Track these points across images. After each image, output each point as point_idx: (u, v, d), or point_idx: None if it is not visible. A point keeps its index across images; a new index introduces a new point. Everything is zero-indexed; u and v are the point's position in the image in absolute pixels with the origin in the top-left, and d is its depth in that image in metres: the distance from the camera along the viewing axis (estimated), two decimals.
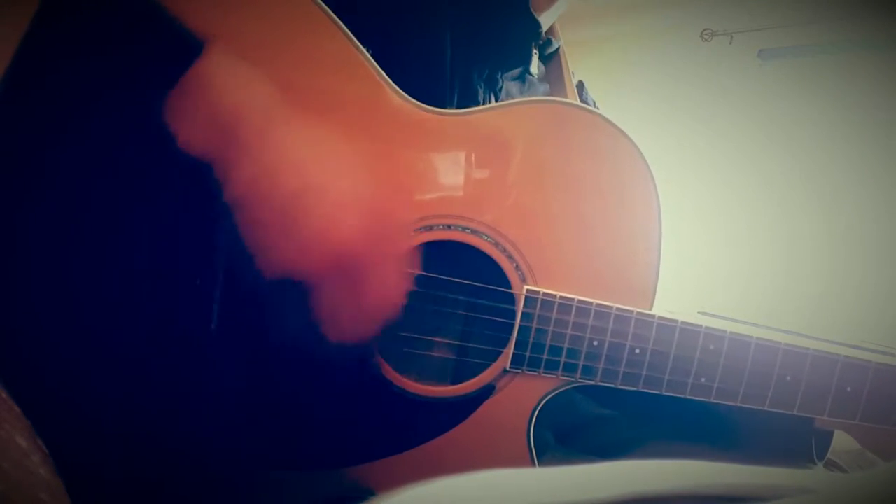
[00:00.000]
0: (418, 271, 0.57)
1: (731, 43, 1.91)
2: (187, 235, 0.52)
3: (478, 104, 0.70)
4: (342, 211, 0.47)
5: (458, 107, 0.62)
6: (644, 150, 0.58)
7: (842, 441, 0.68)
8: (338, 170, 0.49)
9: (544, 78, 0.80)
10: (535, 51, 0.75)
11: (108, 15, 0.46)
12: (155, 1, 0.46)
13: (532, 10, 0.72)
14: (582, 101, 0.85)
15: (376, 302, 0.49)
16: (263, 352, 0.55)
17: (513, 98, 0.75)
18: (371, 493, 0.57)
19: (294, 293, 0.47)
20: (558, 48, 0.79)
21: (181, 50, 0.46)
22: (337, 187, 0.47)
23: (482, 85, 0.70)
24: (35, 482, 0.36)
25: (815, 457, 0.64)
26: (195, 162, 0.46)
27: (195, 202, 0.50)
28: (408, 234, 0.53)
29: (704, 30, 1.93)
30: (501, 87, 0.73)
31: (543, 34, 0.75)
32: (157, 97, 0.45)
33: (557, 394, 0.59)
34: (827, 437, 0.65)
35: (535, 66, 0.75)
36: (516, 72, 0.75)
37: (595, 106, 0.88)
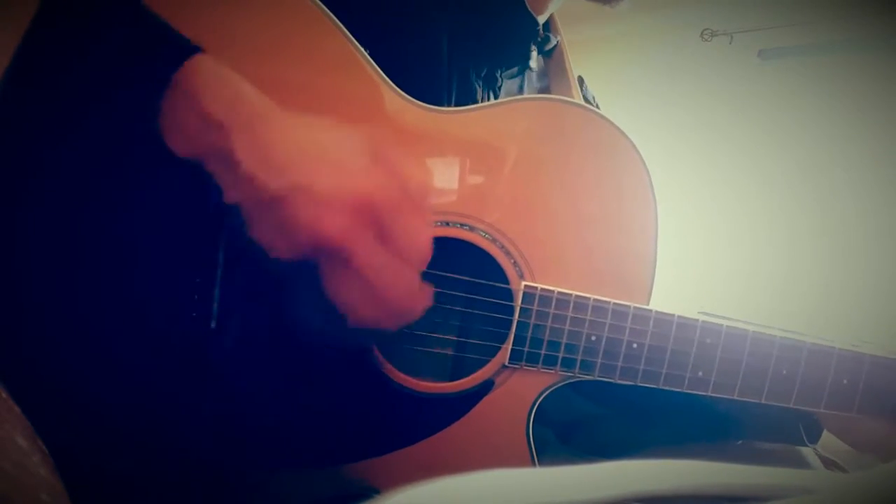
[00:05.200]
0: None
1: (731, 43, 1.91)
2: (185, 235, 0.52)
3: (476, 102, 0.70)
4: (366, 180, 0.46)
5: (457, 105, 0.62)
6: (644, 149, 0.58)
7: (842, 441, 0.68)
8: (352, 148, 0.47)
9: (544, 74, 0.80)
10: (533, 48, 0.74)
11: (101, 21, 0.47)
12: (145, 6, 0.46)
13: (528, 7, 0.72)
14: (582, 96, 0.85)
15: (404, 273, 0.47)
16: (263, 351, 0.55)
17: (513, 96, 0.75)
18: (371, 489, 0.57)
19: (312, 276, 0.46)
20: (557, 43, 0.79)
21: (171, 55, 0.46)
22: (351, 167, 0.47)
23: (481, 83, 0.70)
24: (35, 482, 0.36)
25: (805, 439, 0.64)
26: (191, 164, 0.46)
27: (193, 202, 0.50)
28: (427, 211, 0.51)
29: (704, 30, 1.93)
30: (501, 86, 0.73)
31: (542, 31, 0.75)
32: (153, 99, 0.45)
33: (557, 392, 0.59)
34: (814, 421, 0.65)
35: (534, 61, 0.75)
36: (515, 69, 0.75)
37: (595, 101, 0.88)
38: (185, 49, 0.46)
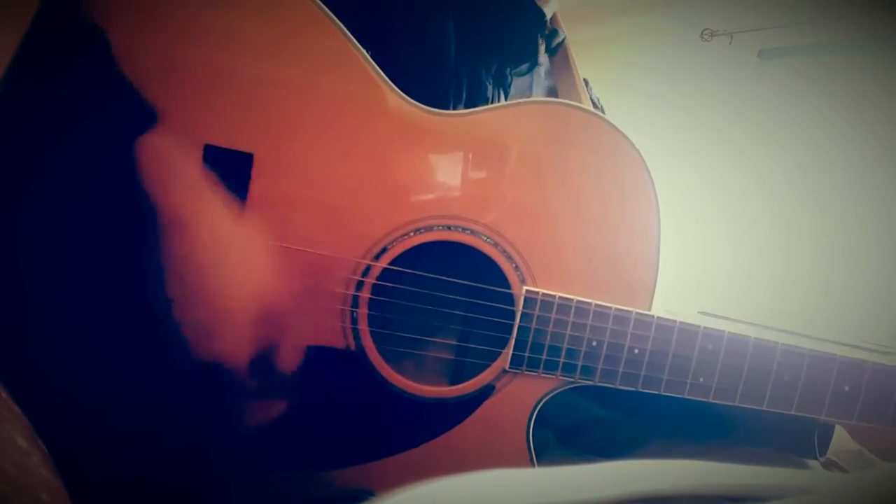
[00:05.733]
0: (416, 271, 0.57)
1: (731, 43, 1.91)
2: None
3: (487, 101, 0.70)
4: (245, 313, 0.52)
5: (468, 104, 0.62)
6: (644, 150, 0.58)
7: (842, 441, 0.68)
8: (254, 270, 0.53)
9: (550, 74, 0.80)
10: (541, 41, 0.74)
11: (78, 71, 0.49)
12: (117, 65, 0.49)
13: (536, 1, 0.72)
14: (589, 98, 0.85)
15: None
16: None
17: (522, 93, 0.75)
18: (370, 493, 0.57)
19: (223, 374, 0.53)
20: (564, 38, 0.79)
21: (136, 116, 0.50)
22: (249, 285, 0.52)
23: (491, 81, 0.70)
24: (35, 482, 0.36)
25: (817, 452, 0.64)
26: (148, 203, 0.50)
27: (146, 235, 0.52)
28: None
29: (704, 30, 1.93)
30: (511, 83, 0.73)
31: (549, 24, 0.75)
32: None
33: (558, 394, 0.59)
34: (829, 431, 0.65)
35: (542, 56, 0.75)
36: (524, 67, 0.75)
37: (600, 103, 0.87)
38: (144, 115, 0.50)
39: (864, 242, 1.62)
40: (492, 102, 0.70)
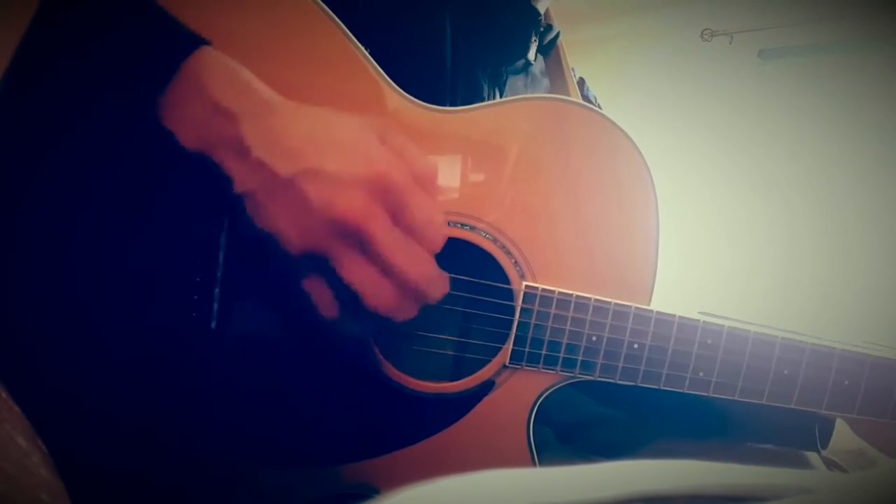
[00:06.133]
0: None
1: (731, 43, 1.91)
2: (187, 233, 0.52)
3: (482, 100, 0.70)
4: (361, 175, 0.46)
5: (463, 103, 0.62)
6: (644, 149, 0.58)
7: (842, 441, 0.68)
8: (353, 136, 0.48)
9: (545, 72, 0.80)
10: (534, 39, 0.74)
11: (106, 13, 0.47)
12: (154, 2, 0.47)
13: None
14: (583, 97, 0.85)
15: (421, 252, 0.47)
16: (263, 350, 0.55)
17: (517, 92, 0.75)
18: (371, 489, 0.57)
19: (323, 268, 0.46)
20: (558, 34, 0.79)
21: (180, 46, 0.47)
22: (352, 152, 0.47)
23: (486, 80, 0.70)
24: (35, 482, 0.36)
25: (818, 445, 0.64)
26: (198, 157, 0.46)
27: (197, 199, 0.50)
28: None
29: (704, 30, 1.93)
30: (506, 81, 0.73)
31: (542, 20, 0.75)
32: (159, 90, 0.46)
33: (558, 391, 0.59)
34: (830, 424, 0.65)
35: (532, 54, 0.75)
36: (520, 64, 0.75)
37: (597, 102, 0.87)
38: (193, 41, 0.47)
39: (864, 242, 1.62)
40: (487, 101, 0.70)
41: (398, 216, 0.46)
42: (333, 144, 0.47)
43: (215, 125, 0.45)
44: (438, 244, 0.48)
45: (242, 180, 0.45)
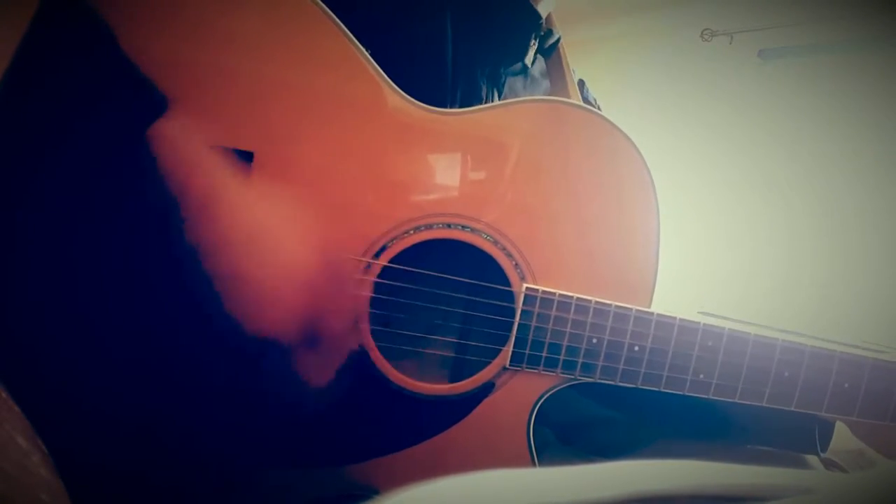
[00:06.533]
0: (416, 269, 0.57)
1: (731, 43, 1.91)
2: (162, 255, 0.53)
3: (481, 101, 0.70)
4: (283, 286, 0.53)
5: (462, 104, 0.62)
6: (644, 150, 0.58)
7: (842, 441, 0.68)
8: (277, 243, 0.53)
9: (545, 74, 0.80)
10: (533, 42, 0.74)
11: (82, 66, 0.49)
12: (125, 56, 0.49)
13: (530, 1, 0.72)
14: (583, 98, 0.85)
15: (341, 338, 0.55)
16: (262, 350, 0.55)
17: (516, 93, 0.75)
18: (372, 490, 0.57)
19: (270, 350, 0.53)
20: (559, 39, 0.79)
21: (148, 104, 0.50)
22: (277, 261, 0.52)
23: (485, 81, 0.70)
24: (35, 482, 0.36)
25: (818, 447, 0.64)
26: (167, 194, 0.50)
27: (166, 229, 0.52)
28: (357, 275, 0.56)
29: (704, 30, 1.93)
30: (504, 83, 0.73)
31: (543, 25, 0.75)
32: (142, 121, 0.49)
33: (558, 392, 0.59)
34: (829, 426, 0.65)
35: (529, 58, 0.75)
36: (518, 66, 0.75)
37: (596, 104, 0.87)
38: (157, 103, 0.50)
39: (864, 242, 1.62)
40: (485, 102, 0.70)
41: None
42: (262, 248, 0.52)
43: (177, 182, 0.50)
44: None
45: (190, 239, 0.51)
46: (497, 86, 0.72)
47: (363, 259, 0.55)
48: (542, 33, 0.75)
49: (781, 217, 1.77)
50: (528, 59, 0.75)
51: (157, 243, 0.52)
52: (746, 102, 1.88)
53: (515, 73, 0.75)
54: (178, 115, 0.50)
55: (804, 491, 0.25)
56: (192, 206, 0.50)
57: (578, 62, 0.82)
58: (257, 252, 0.52)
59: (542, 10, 0.73)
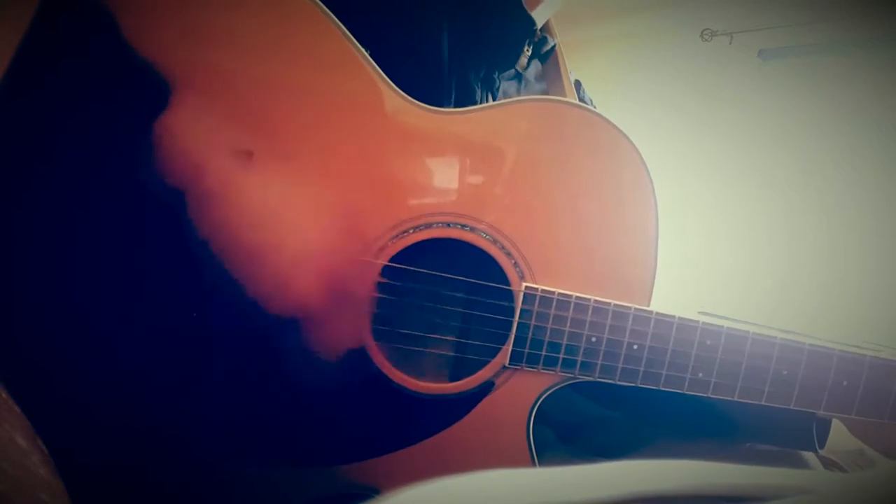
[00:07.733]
0: (416, 268, 0.57)
1: (731, 43, 1.91)
2: (173, 250, 0.53)
3: (475, 103, 0.70)
4: (300, 262, 0.52)
5: (457, 107, 0.62)
6: (644, 150, 0.58)
7: (842, 441, 0.68)
8: (295, 221, 0.53)
9: (541, 77, 0.80)
10: (527, 48, 0.74)
11: (84, 60, 0.49)
12: (128, 45, 0.48)
13: (525, 7, 0.72)
14: (580, 99, 0.85)
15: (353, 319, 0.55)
16: (262, 351, 0.55)
17: (510, 97, 0.75)
18: (372, 489, 0.57)
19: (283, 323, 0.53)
20: (555, 45, 0.79)
21: (152, 95, 0.50)
22: (295, 240, 0.52)
23: (479, 84, 0.70)
24: (35, 482, 0.36)
25: (816, 445, 0.64)
26: (172, 190, 0.50)
27: (174, 223, 0.52)
28: (375, 253, 0.56)
29: (704, 30, 1.93)
30: (499, 87, 0.73)
31: (539, 32, 0.75)
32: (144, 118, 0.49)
33: (558, 391, 0.59)
34: (827, 423, 0.65)
35: (522, 65, 0.75)
36: (513, 71, 0.75)
37: (593, 105, 0.87)
38: (161, 94, 0.49)
39: (863, 242, 1.62)
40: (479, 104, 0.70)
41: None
42: (293, 217, 0.53)
43: (185, 172, 0.50)
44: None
45: (203, 230, 0.51)
46: (491, 90, 0.72)
47: (363, 258, 0.55)
48: (537, 40, 0.76)
49: (781, 217, 1.77)
50: (522, 66, 0.75)
51: (156, 243, 0.52)
52: (746, 102, 1.88)
53: (510, 78, 0.75)
54: (181, 108, 0.50)
55: (804, 491, 0.25)
56: (195, 202, 0.50)
57: (578, 63, 0.82)
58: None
59: (538, 16, 0.73)
